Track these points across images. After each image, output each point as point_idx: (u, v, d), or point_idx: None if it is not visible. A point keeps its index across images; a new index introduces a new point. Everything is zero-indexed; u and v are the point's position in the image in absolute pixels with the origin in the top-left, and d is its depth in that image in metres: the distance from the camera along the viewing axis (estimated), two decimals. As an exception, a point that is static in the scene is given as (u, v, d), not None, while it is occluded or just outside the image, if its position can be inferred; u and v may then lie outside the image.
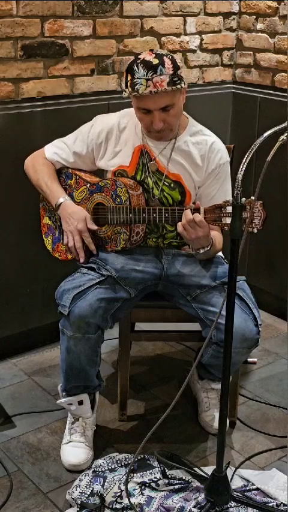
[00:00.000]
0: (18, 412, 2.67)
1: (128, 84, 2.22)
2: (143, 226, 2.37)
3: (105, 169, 2.48)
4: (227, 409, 2.10)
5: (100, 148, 2.45)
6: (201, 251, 2.29)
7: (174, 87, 2.20)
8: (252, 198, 1.97)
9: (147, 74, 2.18)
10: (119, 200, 2.34)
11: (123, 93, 2.27)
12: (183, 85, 2.24)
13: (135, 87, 2.19)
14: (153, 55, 2.21)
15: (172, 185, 2.40)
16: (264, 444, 2.54)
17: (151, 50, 2.26)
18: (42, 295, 3.04)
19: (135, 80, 2.19)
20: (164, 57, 2.21)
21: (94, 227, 2.40)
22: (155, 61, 2.19)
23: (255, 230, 2.07)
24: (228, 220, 2.10)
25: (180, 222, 2.21)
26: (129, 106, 2.43)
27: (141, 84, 2.18)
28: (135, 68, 2.20)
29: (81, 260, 2.42)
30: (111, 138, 2.43)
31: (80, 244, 2.41)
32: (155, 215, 2.30)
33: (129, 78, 2.22)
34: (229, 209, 2.11)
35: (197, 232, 2.19)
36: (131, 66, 2.22)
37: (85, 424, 2.46)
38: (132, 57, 2.28)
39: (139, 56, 2.24)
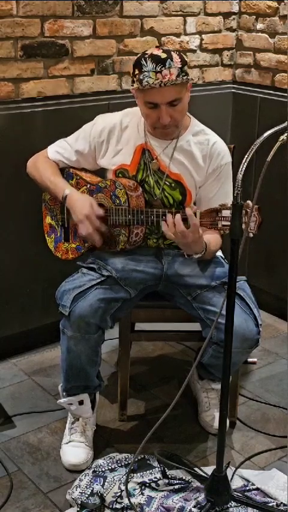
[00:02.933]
0: (18, 412, 2.67)
1: (136, 78, 2.23)
2: (142, 227, 2.37)
3: (107, 168, 2.48)
4: (227, 409, 2.10)
5: (102, 146, 2.45)
6: (195, 256, 2.28)
7: (183, 78, 2.21)
8: (249, 202, 1.97)
9: (155, 67, 2.18)
10: (118, 201, 2.34)
11: (131, 86, 2.26)
12: (190, 79, 2.25)
13: (144, 80, 2.20)
14: (161, 50, 2.23)
15: (173, 185, 2.40)
16: (264, 444, 2.54)
17: (157, 46, 2.27)
18: (42, 295, 3.04)
19: (144, 74, 2.20)
20: (172, 52, 2.23)
21: (100, 212, 2.36)
22: (163, 55, 2.20)
23: (250, 235, 2.06)
24: (225, 224, 2.09)
25: (163, 228, 2.20)
26: (130, 106, 2.43)
27: (150, 77, 2.19)
28: (143, 62, 2.21)
29: (98, 244, 2.38)
30: (112, 136, 2.43)
31: (91, 229, 2.35)
32: (152, 217, 2.30)
33: (136, 72, 2.23)
34: (225, 213, 2.10)
35: (185, 237, 2.16)
36: (139, 60, 2.23)
37: (85, 424, 2.46)
38: (133, 57, 2.28)
39: (146, 52, 2.25)
